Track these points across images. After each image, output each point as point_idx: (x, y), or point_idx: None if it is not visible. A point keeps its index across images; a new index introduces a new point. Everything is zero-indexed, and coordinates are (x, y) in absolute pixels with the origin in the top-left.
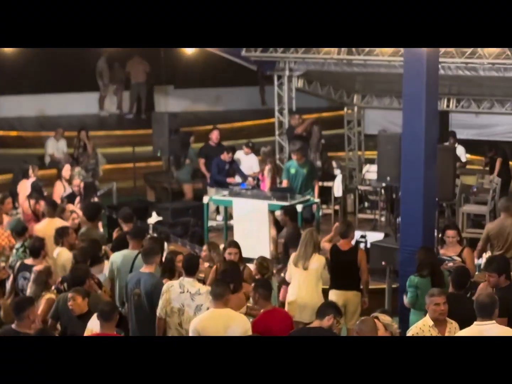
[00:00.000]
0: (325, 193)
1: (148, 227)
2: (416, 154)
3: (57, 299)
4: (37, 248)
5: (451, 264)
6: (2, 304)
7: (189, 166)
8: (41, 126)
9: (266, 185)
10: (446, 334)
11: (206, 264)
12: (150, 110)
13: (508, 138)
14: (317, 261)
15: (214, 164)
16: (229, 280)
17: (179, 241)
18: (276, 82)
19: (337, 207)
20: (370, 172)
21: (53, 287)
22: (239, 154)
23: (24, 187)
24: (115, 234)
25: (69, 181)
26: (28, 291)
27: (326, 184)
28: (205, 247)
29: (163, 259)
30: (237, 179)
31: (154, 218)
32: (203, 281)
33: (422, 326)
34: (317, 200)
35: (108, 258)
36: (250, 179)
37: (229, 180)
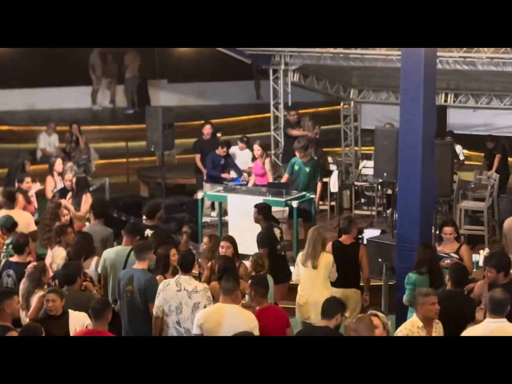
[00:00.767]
0: (321, 189)
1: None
2: (414, 149)
3: None
4: (21, 245)
5: (448, 261)
6: None
7: None
8: (33, 120)
9: (269, 177)
10: (433, 335)
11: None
12: (144, 104)
13: (507, 133)
14: (326, 259)
15: (209, 159)
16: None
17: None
18: (271, 76)
19: (333, 203)
20: (367, 167)
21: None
22: (234, 149)
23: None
24: None
25: (61, 176)
26: (21, 287)
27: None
28: (206, 240)
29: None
30: (232, 174)
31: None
32: (199, 278)
33: (411, 327)
34: (312, 196)
35: None
36: (245, 174)
37: (224, 175)
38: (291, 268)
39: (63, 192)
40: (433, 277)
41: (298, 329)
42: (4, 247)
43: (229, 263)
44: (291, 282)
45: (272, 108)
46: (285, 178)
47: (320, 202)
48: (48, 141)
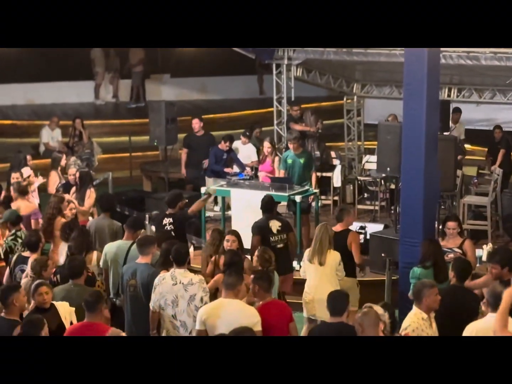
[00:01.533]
0: (324, 184)
1: (144, 218)
2: (417, 144)
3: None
4: (34, 242)
5: (451, 255)
6: None
7: None
8: (36, 115)
9: (276, 175)
10: (433, 325)
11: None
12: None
13: (510, 128)
14: (333, 256)
15: (211, 154)
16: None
17: None
18: (274, 71)
19: (336, 198)
20: (370, 162)
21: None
22: (236, 144)
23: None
24: None
25: (64, 171)
26: (23, 281)
27: (325, 174)
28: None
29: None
30: (235, 168)
31: None
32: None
33: (417, 320)
34: (316, 190)
35: None
36: (248, 169)
37: (226, 170)
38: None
39: (66, 187)
40: (437, 271)
41: (303, 325)
42: (4, 239)
43: (236, 257)
44: (296, 277)
45: (275, 103)
46: (282, 173)
47: (323, 197)
48: (51, 136)
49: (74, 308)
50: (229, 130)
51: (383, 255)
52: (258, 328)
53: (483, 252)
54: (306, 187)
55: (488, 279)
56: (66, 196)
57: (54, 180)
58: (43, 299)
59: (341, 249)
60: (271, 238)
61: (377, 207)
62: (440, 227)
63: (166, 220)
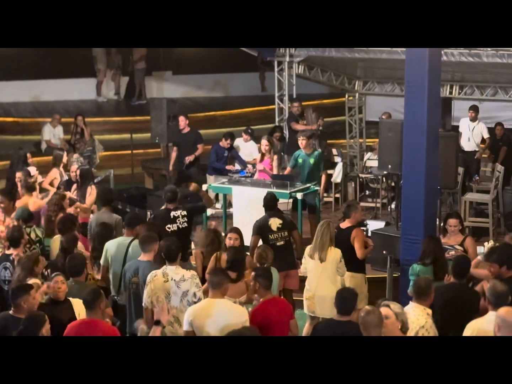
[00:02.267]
0: (326, 180)
1: (146, 215)
2: (418, 141)
3: None
4: (16, 238)
5: (452, 253)
6: None
7: None
8: (38, 112)
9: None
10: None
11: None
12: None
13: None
14: (334, 253)
15: (212, 151)
16: (235, 269)
17: None
18: (276, 68)
19: (337, 195)
20: (372, 159)
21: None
22: (238, 141)
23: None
24: None
25: (66, 168)
26: (13, 276)
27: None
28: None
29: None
30: (236, 166)
31: None
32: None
33: (426, 316)
34: (317, 188)
35: None
36: (249, 166)
37: (228, 167)
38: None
39: (68, 184)
40: (437, 268)
41: (305, 322)
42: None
43: (239, 255)
44: (299, 274)
45: (277, 100)
46: (287, 171)
47: (325, 194)
48: (52, 133)
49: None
50: (231, 128)
51: (384, 252)
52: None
53: (484, 249)
54: (308, 185)
55: (489, 275)
56: (68, 194)
57: (53, 177)
58: (58, 288)
59: (347, 246)
60: (270, 236)
61: (378, 205)
62: (442, 224)
63: (177, 213)
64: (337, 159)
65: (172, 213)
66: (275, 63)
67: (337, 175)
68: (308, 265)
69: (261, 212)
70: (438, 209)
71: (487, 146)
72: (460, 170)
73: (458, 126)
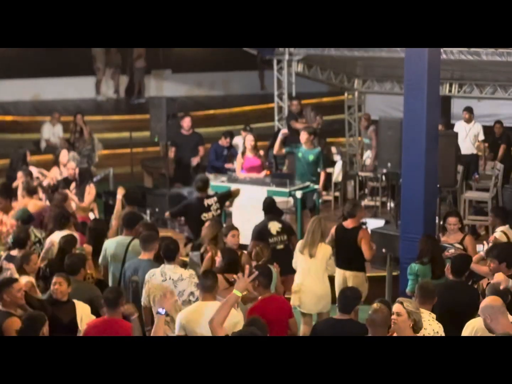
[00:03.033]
0: (325, 178)
1: (145, 214)
2: (417, 139)
3: None
4: (22, 239)
5: (452, 251)
6: None
7: None
8: (37, 111)
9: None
10: None
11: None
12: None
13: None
14: (324, 250)
15: (212, 150)
16: (233, 271)
17: (176, 227)
18: (275, 67)
19: (337, 193)
20: (371, 158)
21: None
22: (237, 139)
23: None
24: None
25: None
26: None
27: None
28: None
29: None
30: (235, 164)
31: None
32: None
33: (431, 319)
34: (316, 186)
35: None
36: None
37: (227, 165)
38: None
39: (66, 182)
40: (434, 267)
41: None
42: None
43: (234, 256)
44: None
45: (276, 99)
46: (276, 150)
47: (324, 193)
48: (52, 132)
49: (89, 310)
50: (230, 126)
51: (383, 251)
52: (240, 328)
53: (484, 247)
54: (307, 183)
55: (489, 272)
56: (69, 193)
57: (54, 175)
58: (54, 288)
59: (352, 246)
60: (270, 239)
61: (378, 203)
62: (441, 222)
63: (210, 201)
64: (337, 157)
65: (206, 202)
66: (275, 61)
67: (337, 174)
68: (298, 260)
69: (259, 211)
70: (438, 207)
71: (485, 150)
72: (460, 168)
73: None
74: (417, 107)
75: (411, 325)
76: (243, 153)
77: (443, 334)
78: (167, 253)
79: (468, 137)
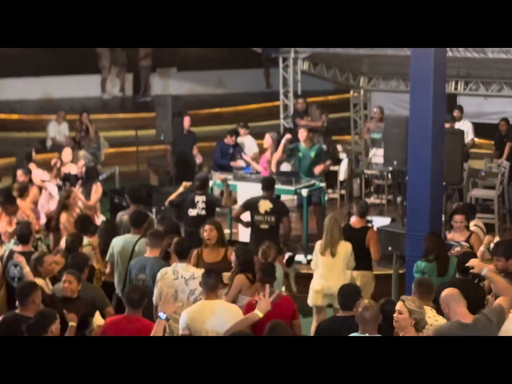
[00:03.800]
0: (331, 178)
1: (151, 212)
2: (423, 137)
3: None
4: (25, 234)
5: (458, 249)
6: None
7: None
8: (43, 109)
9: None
10: None
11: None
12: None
13: None
14: (345, 247)
15: (217, 148)
16: (250, 270)
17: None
18: (281, 65)
19: (343, 191)
20: (377, 156)
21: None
22: (240, 139)
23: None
24: None
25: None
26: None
27: (331, 168)
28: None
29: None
30: (240, 162)
31: None
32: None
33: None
34: (322, 184)
35: None
36: (254, 163)
37: (233, 164)
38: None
39: (72, 180)
40: (439, 265)
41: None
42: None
43: (249, 255)
44: (303, 271)
45: (281, 97)
46: (279, 156)
47: (330, 191)
48: (58, 130)
49: (101, 321)
50: (236, 124)
51: (390, 248)
52: None
53: (491, 246)
54: (313, 181)
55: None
56: (74, 190)
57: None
58: (65, 286)
59: (359, 245)
60: (255, 216)
61: (384, 201)
62: (447, 220)
63: (199, 198)
64: (342, 155)
65: (196, 197)
66: (280, 59)
67: (343, 171)
68: (319, 261)
69: None
70: (444, 205)
71: (471, 146)
72: (466, 166)
73: None
74: (423, 105)
75: (412, 323)
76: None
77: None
78: (179, 251)
79: None
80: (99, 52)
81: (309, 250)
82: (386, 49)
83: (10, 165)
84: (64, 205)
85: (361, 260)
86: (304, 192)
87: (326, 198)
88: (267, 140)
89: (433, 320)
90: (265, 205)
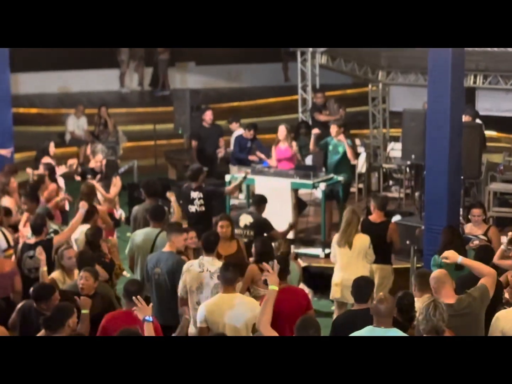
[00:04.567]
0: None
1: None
2: (442, 131)
3: None
4: (39, 225)
5: (476, 242)
6: None
7: None
8: (62, 103)
9: (295, 160)
10: None
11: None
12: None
13: None
14: (362, 240)
15: (235, 142)
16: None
17: None
18: (299, 59)
19: (361, 185)
20: (395, 150)
21: None
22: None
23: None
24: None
25: (87, 159)
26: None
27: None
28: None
29: None
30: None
31: None
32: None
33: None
34: (340, 178)
35: None
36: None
37: (251, 157)
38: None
39: (92, 173)
40: None
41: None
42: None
43: (268, 247)
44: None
45: (300, 91)
46: (312, 149)
47: None
48: (77, 124)
49: None
50: (254, 118)
51: (407, 242)
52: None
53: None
54: (331, 175)
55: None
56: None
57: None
58: (81, 283)
59: (380, 239)
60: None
61: (402, 195)
62: (465, 214)
63: (195, 194)
64: (360, 149)
65: (192, 194)
66: (298, 53)
67: (361, 165)
68: (336, 252)
69: (283, 203)
70: (462, 199)
71: None
72: (484, 159)
73: (481, 116)
74: (441, 98)
75: None
76: (277, 143)
77: None
78: (206, 245)
79: None
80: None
81: (327, 244)
82: None
83: (29, 158)
84: (89, 198)
85: (381, 254)
86: (322, 186)
87: (346, 191)
88: (282, 131)
89: None
90: (245, 219)
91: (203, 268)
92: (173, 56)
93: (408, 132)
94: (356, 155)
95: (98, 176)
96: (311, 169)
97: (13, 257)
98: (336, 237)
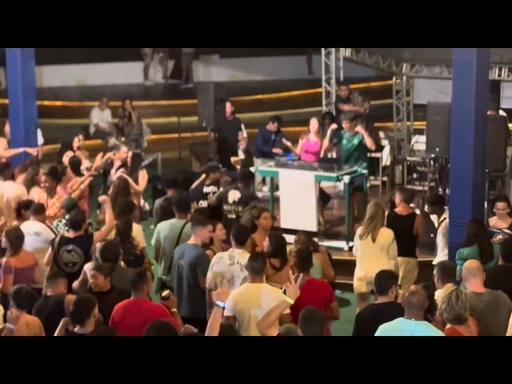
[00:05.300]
0: (373, 164)
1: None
2: (466, 124)
3: None
4: (78, 221)
5: (500, 237)
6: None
7: None
8: (86, 96)
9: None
10: None
11: None
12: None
13: None
14: (386, 234)
15: (259, 135)
16: (279, 256)
17: None
18: (323, 52)
19: (385, 178)
20: (419, 142)
21: None
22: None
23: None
24: None
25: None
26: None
27: (373, 155)
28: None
29: None
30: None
31: None
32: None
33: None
34: (364, 171)
35: None
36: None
37: (275, 150)
38: None
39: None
40: (482, 251)
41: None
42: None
43: (282, 242)
44: (345, 258)
45: (324, 83)
46: (325, 145)
47: (372, 177)
48: (101, 117)
49: None
50: (278, 111)
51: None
52: (287, 311)
53: None
54: (355, 168)
55: None
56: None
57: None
58: (91, 282)
59: (406, 232)
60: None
61: (426, 188)
62: (490, 207)
63: (207, 189)
64: (384, 142)
65: (205, 189)
66: None
67: (385, 158)
68: (359, 245)
69: (308, 195)
70: (486, 192)
71: None
72: (509, 152)
73: (506, 110)
74: (466, 91)
75: None
76: (306, 135)
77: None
78: (238, 237)
79: None
80: None
81: (350, 237)
82: None
83: (54, 151)
84: (123, 192)
85: (406, 247)
86: (346, 179)
87: (368, 184)
88: (314, 124)
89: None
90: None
91: (233, 261)
92: (197, 49)
93: (433, 125)
94: (380, 148)
95: (122, 169)
96: (335, 162)
97: (50, 249)
98: (359, 230)
